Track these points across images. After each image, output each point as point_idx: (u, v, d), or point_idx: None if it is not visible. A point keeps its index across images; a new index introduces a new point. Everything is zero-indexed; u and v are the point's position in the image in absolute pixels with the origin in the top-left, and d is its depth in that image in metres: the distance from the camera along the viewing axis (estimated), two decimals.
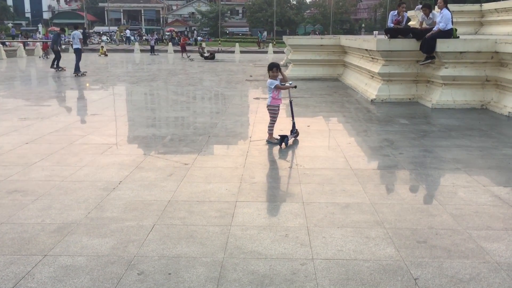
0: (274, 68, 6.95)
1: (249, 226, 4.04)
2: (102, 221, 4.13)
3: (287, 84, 7.21)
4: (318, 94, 12.69)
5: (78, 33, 19.23)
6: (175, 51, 37.35)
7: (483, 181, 5.32)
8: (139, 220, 4.14)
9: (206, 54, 30.12)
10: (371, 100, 11.35)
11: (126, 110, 10.82)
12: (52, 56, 23.48)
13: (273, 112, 7.15)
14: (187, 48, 33.78)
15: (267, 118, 9.02)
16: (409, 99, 11.30)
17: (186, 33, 61.52)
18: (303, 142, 7.16)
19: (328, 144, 7.19)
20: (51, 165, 5.86)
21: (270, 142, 7.08)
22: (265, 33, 54.22)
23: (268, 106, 7.17)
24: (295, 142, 7.17)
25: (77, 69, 18.44)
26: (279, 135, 7.07)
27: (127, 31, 57.06)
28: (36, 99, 11.92)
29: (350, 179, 5.34)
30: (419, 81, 11.37)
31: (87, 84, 15.85)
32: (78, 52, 18.60)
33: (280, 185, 5.23)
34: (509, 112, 9.25)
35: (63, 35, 27.58)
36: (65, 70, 20.32)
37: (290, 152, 6.64)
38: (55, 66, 20.26)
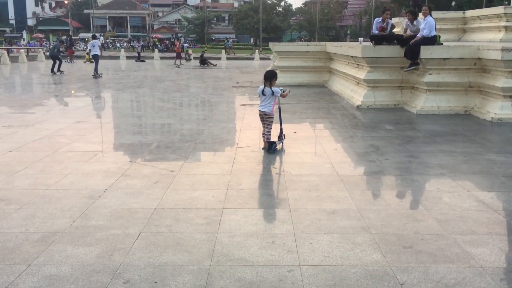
0: (274, 78, 6.95)
1: (236, 233, 4.03)
2: (87, 229, 4.09)
3: (286, 90, 7.23)
4: (304, 100, 12.74)
5: (97, 41, 22.72)
6: (161, 58, 37.27)
7: (467, 186, 5.38)
8: (124, 228, 4.11)
9: (190, 59, 30.21)
10: (357, 106, 11.43)
11: (112, 117, 10.75)
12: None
13: (272, 119, 7.09)
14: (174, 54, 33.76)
15: (254, 124, 9.09)
16: (394, 105, 11.40)
17: (172, 39, 61.36)
18: (290, 149, 7.18)
19: (315, 150, 7.21)
20: (35, 173, 5.79)
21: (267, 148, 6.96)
22: (231, 40, 53.84)
23: (269, 114, 6.98)
24: (282, 148, 7.18)
25: (95, 72, 20.89)
26: (267, 141, 7.01)
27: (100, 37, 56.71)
28: (20, 106, 11.79)
29: (336, 185, 5.36)
30: (404, 87, 11.48)
31: (73, 91, 15.73)
32: (96, 58, 21.32)
33: (267, 191, 5.23)
34: (492, 118, 9.38)
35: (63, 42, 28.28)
36: (63, 73, 22.25)
37: (277, 159, 6.64)
38: (55, 71, 22.25)
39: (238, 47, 58.04)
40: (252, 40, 53.60)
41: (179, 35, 73.79)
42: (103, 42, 56.49)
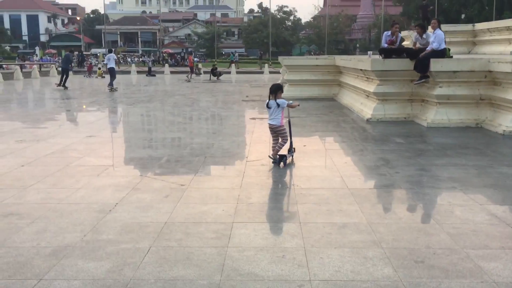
0: (280, 90, 7.08)
1: (246, 247, 4.02)
2: (97, 243, 4.10)
3: (294, 103, 7.31)
4: (314, 113, 12.75)
5: (113, 55, 23.39)
6: (172, 72, 37.59)
7: (479, 199, 5.33)
8: (135, 243, 4.12)
9: (200, 73, 30.56)
10: (367, 120, 11.40)
11: (123, 132, 10.84)
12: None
13: (284, 131, 7.13)
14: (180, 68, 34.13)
15: (264, 138, 9.11)
16: (404, 118, 11.36)
17: (183, 54, 61.91)
18: (300, 162, 7.17)
19: (325, 164, 7.20)
20: (47, 187, 5.84)
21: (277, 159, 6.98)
22: (236, 54, 53.59)
23: (279, 127, 7.03)
24: (292, 161, 7.18)
25: (111, 85, 21.44)
26: (278, 155, 7.03)
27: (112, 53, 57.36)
28: (33, 121, 11.93)
29: (346, 199, 5.34)
30: (414, 100, 11.45)
31: (84, 106, 15.90)
32: (112, 71, 21.98)
33: (277, 205, 5.22)
34: (504, 131, 9.30)
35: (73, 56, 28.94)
36: (68, 88, 22.21)
37: (286, 172, 6.64)
38: (63, 84, 22.34)
39: (247, 61, 58.30)
40: (231, 54, 53.52)
41: (189, 49, 74.50)
42: (89, 57, 57.13)
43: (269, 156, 7.12)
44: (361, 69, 12.68)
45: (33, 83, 27.70)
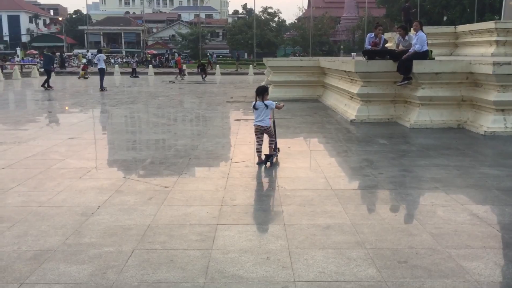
0: (266, 92, 7.20)
1: (230, 249, 4.01)
2: (80, 247, 4.05)
3: (280, 104, 7.44)
4: (298, 115, 12.79)
5: (103, 55, 24.01)
6: (156, 73, 37.38)
7: (461, 199, 5.39)
8: (118, 246, 4.07)
9: (185, 74, 30.62)
10: (351, 121, 11.47)
11: (106, 133, 10.75)
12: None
13: (272, 131, 7.27)
14: (166, 69, 34.04)
15: (248, 139, 9.12)
16: (388, 119, 11.45)
17: (167, 55, 61.59)
18: (284, 163, 7.18)
19: (309, 165, 7.22)
20: (28, 190, 5.76)
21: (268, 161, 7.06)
22: (214, 55, 52.60)
23: (267, 128, 7.16)
24: (277, 161, 7.19)
25: (102, 86, 21.57)
26: (264, 154, 7.09)
27: (89, 53, 56.50)
28: (14, 123, 11.76)
29: (331, 200, 5.36)
30: (397, 101, 11.55)
31: (66, 107, 15.72)
32: (102, 72, 22.23)
33: (261, 207, 5.22)
34: (485, 131, 9.44)
35: (55, 57, 28.68)
36: (53, 89, 22.26)
37: (271, 174, 6.64)
38: (46, 86, 22.14)
39: (224, 62, 57.88)
40: (208, 55, 52.85)
41: (173, 50, 74.17)
42: (71, 57, 56.67)
43: (257, 163, 7.11)
44: (345, 71, 12.76)
45: (14, 84, 27.30)
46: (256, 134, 7.25)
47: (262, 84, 11.64)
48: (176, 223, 4.62)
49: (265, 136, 7.26)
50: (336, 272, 3.58)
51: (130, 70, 37.14)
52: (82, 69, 34.01)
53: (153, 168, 7.02)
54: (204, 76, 30.58)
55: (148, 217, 4.79)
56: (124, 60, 59.66)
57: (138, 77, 34.18)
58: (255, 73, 37.11)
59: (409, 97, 11.16)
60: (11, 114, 13.80)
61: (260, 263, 3.73)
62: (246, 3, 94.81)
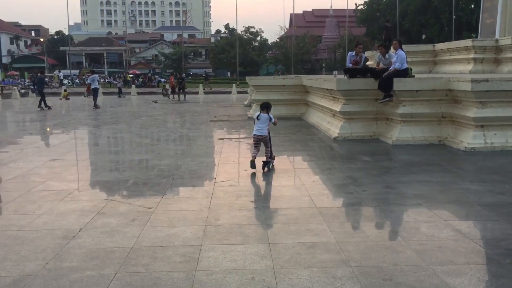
0: (270, 107, 8.29)
1: (214, 270, 3.96)
2: (61, 271, 3.97)
3: (276, 120, 8.36)
4: (282, 133, 12.82)
5: (96, 76, 26.43)
6: (138, 93, 37.29)
7: (444, 215, 5.43)
8: (100, 269, 4.00)
9: (168, 94, 30.55)
10: (334, 138, 11.55)
11: (88, 154, 10.63)
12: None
13: (268, 140, 8.18)
14: (150, 90, 33.96)
15: (232, 158, 9.15)
16: (370, 136, 11.56)
17: (149, 75, 61.51)
18: (268, 182, 7.16)
19: (293, 183, 7.22)
20: (8, 214, 5.64)
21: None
22: (183, 75, 49.28)
23: (265, 137, 8.07)
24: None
25: (95, 104, 23.26)
26: (262, 161, 7.92)
27: (60, 73, 55.95)
28: None
29: (315, 218, 5.35)
30: (379, 118, 11.68)
31: (48, 129, 15.54)
32: (95, 91, 24.29)
33: (246, 226, 5.18)
34: (466, 147, 9.57)
35: (45, 78, 28.82)
36: (51, 108, 22.94)
37: (255, 192, 6.62)
38: (42, 105, 22.84)
39: (192, 81, 57.13)
40: (204, 73, 51.29)
41: (156, 70, 74.15)
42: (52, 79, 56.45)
43: (251, 166, 7.80)
44: (327, 89, 12.88)
45: None
46: (254, 143, 8.15)
47: (245, 102, 12.08)
48: (160, 245, 4.56)
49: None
50: None
51: (112, 90, 37.13)
52: (87, 90, 33.98)
53: (136, 189, 6.95)
54: (179, 95, 30.30)
55: (131, 239, 4.72)
56: (107, 80, 59.41)
57: (124, 97, 34.24)
58: (238, 92, 37.23)
59: (390, 114, 11.30)
60: None
61: (245, 284, 3.69)
62: (228, 23, 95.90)
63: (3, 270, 4.00)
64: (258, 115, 8.12)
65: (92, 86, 24.80)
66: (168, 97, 30.80)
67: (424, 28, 56.18)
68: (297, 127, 14.39)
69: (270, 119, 8.11)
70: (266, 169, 7.88)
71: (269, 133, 8.24)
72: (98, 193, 6.81)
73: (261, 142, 8.06)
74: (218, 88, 45.39)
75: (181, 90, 30.41)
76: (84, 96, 33.14)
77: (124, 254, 4.32)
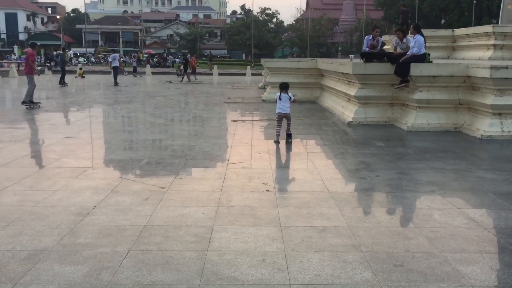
0: (288, 87, 9.22)
1: (226, 251, 3.99)
2: (75, 247, 4.03)
3: (297, 97, 9.47)
4: (296, 116, 12.74)
5: (117, 55, 29.15)
6: (153, 73, 37.35)
7: (457, 203, 5.39)
8: (113, 246, 4.05)
9: (182, 75, 30.58)
10: (348, 123, 11.48)
11: (103, 133, 10.71)
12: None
13: (290, 117, 9.21)
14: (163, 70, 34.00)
15: (245, 140, 9.16)
16: (385, 121, 11.46)
17: (164, 55, 61.48)
18: (281, 165, 7.17)
19: (306, 167, 7.21)
20: (23, 189, 5.73)
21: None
22: (188, 56, 45.72)
23: (288, 114, 9.08)
24: (272, 165, 7.19)
25: (115, 82, 25.05)
26: (286, 133, 9.01)
27: (70, 51, 56.15)
28: (10, 121, 11.71)
29: (327, 202, 5.35)
30: (394, 104, 11.56)
31: (63, 106, 15.65)
32: (116, 69, 25.95)
33: (258, 208, 5.20)
34: (482, 135, 9.45)
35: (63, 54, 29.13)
36: (67, 85, 23.89)
37: (267, 175, 6.62)
38: (62, 82, 23.90)
39: (230, 62, 57.84)
40: (210, 54, 50.06)
41: (171, 50, 74.06)
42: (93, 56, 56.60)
43: (275, 141, 8.92)
44: (342, 73, 12.76)
45: (10, 82, 27.21)
46: (277, 120, 9.10)
47: (260, 84, 12.52)
48: (172, 224, 4.61)
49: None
50: (331, 275, 3.57)
51: (127, 69, 37.38)
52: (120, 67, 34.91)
53: (150, 169, 7.00)
54: (183, 77, 30.19)
55: (144, 217, 4.77)
56: (122, 59, 59.52)
57: (140, 76, 34.70)
58: (252, 74, 37.11)
59: (406, 100, 11.17)
60: (7, 112, 13.74)
61: (255, 265, 3.71)
62: (244, 4, 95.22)
63: (19, 244, 4.08)
64: (280, 95, 9.03)
65: (113, 64, 26.38)
66: (187, 79, 30.58)
67: (444, 12, 55.10)
68: (311, 110, 14.32)
69: (290, 98, 9.03)
70: (290, 140, 8.96)
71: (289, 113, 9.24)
72: (112, 172, 6.88)
73: (283, 118, 9.06)
74: (231, 69, 45.17)
75: (186, 72, 30.37)
76: (76, 77, 32.29)
77: (137, 232, 4.37)
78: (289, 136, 9.07)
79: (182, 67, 34.94)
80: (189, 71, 30.85)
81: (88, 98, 18.31)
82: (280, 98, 9.03)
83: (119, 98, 18.38)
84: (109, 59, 31.25)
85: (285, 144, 8.81)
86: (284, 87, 9.15)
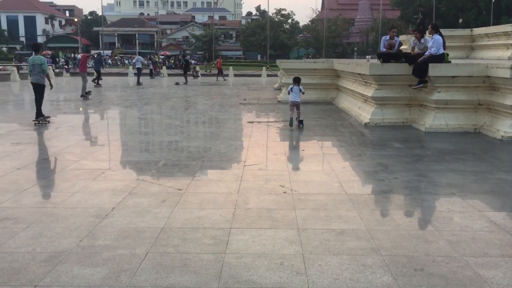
0: (300, 80, 11.22)
1: (243, 253, 3.98)
2: (94, 249, 4.06)
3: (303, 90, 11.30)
4: (312, 117, 12.72)
5: (140, 57, 31.24)
6: (169, 75, 37.55)
7: (478, 206, 5.30)
8: (131, 248, 4.07)
9: (198, 76, 30.92)
10: (365, 124, 11.39)
11: (120, 135, 10.79)
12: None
13: (300, 105, 11.12)
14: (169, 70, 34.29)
15: (261, 142, 9.17)
16: (403, 123, 11.35)
17: (180, 57, 61.73)
18: (298, 167, 7.14)
19: (323, 169, 7.17)
20: (43, 191, 5.79)
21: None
22: (188, 57, 43.86)
23: (299, 102, 11.05)
24: (289, 167, 7.17)
25: (138, 81, 26.98)
26: (298, 120, 10.99)
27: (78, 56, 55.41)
28: (29, 124, 11.86)
29: (345, 205, 5.30)
30: (412, 105, 11.44)
31: (81, 108, 15.83)
32: (139, 70, 28.25)
33: (275, 211, 5.18)
34: (502, 136, 9.29)
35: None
36: (101, 86, 25.32)
37: (284, 177, 6.59)
38: (96, 83, 25.19)
39: (245, 64, 57.88)
40: (206, 55, 48.48)
41: (187, 51, 74.34)
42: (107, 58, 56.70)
43: (290, 125, 10.95)
44: (359, 73, 12.68)
45: (30, 85, 27.54)
46: (290, 107, 11.04)
47: (275, 85, 13.68)
48: (190, 226, 4.61)
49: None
50: (351, 279, 3.53)
51: (144, 71, 37.67)
52: (154, 69, 36.82)
53: (167, 170, 7.02)
54: (187, 78, 30.22)
55: (162, 219, 4.79)
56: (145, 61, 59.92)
57: (160, 76, 35.35)
58: (268, 75, 37.09)
59: (424, 101, 11.05)
60: (27, 115, 13.93)
61: (274, 269, 3.69)
62: (259, 5, 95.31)
63: (39, 246, 4.12)
64: (292, 88, 11.01)
65: (137, 66, 28.68)
66: (217, 79, 31.12)
67: (461, 12, 54.40)
68: (328, 111, 14.25)
69: (300, 90, 10.99)
70: (301, 125, 10.95)
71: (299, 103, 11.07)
72: (129, 173, 6.92)
73: (295, 106, 10.92)
74: (247, 70, 45.17)
75: (186, 73, 30.42)
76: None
77: (155, 235, 4.38)
78: (300, 122, 11.00)
79: (198, 68, 35.16)
80: (190, 72, 31.45)
81: (106, 100, 18.47)
82: (292, 90, 10.95)
83: (135, 100, 18.52)
84: (133, 61, 33.62)
85: (298, 135, 8.78)
86: (296, 80, 11.09)
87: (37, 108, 11.88)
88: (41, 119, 11.74)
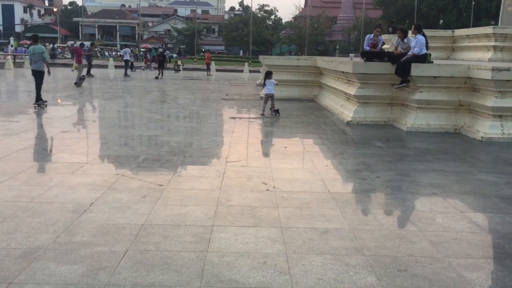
0: (271, 74, 12.60)
1: (226, 252, 3.90)
2: (71, 246, 3.93)
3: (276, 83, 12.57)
4: (294, 114, 12.69)
5: (128, 49, 31.34)
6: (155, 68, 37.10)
7: (460, 206, 5.32)
8: (110, 245, 3.96)
9: (180, 70, 30.59)
10: (347, 122, 11.40)
11: (99, 128, 10.58)
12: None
13: (273, 97, 12.38)
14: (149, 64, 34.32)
15: (244, 138, 9.07)
16: (384, 121, 11.39)
17: (161, 50, 61.03)
18: (280, 164, 7.08)
19: (306, 167, 7.13)
20: (19, 184, 5.62)
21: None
22: (153, 51, 40.36)
23: (273, 94, 12.28)
24: (272, 164, 7.11)
25: (126, 73, 27.55)
26: (274, 110, 12.21)
27: (51, 45, 52.79)
28: (5, 114, 11.55)
29: (328, 203, 5.27)
30: (394, 104, 11.49)
31: (59, 100, 15.50)
32: (126, 62, 28.61)
33: (258, 208, 5.11)
34: (482, 137, 9.39)
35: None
36: (94, 76, 25.42)
37: (267, 174, 6.54)
38: (89, 74, 25.06)
39: (227, 58, 57.63)
40: (153, 50, 46.98)
41: (168, 45, 73.69)
42: (65, 49, 55.23)
43: (261, 114, 12.19)
44: (342, 71, 12.68)
45: (6, 74, 26.95)
46: (265, 99, 12.40)
47: (258, 81, 13.85)
48: (171, 223, 4.51)
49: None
50: (335, 279, 3.49)
51: (123, 63, 37.06)
52: (145, 62, 37.12)
53: (147, 165, 6.89)
54: (163, 72, 29.38)
55: (142, 216, 4.68)
56: (119, 53, 59.09)
57: (134, 70, 34.07)
58: (250, 71, 36.95)
59: (406, 100, 11.11)
60: (2, 105, 13.58)
61: (257, 268, 3.63)
62: (242, 0, 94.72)
63: (14, 241, 3.98)
64: (265, 81, 12.50)
65: (124, 58, 28.90)
66: (207, 74, 31.16)
67: (442, 13, 55.09)
68: (310, 109, 14.24)
69: (274, 82, 12.33)
70: (277, 114, 12.13)
71: (273, 95, 12.29)
72: (109, 168, 6.77)
73: (269, 97, 12.19)
74: (229, 66, 44.93)
75: (162, 68, 29.44)
76: (72, 70, 30.73)
77: (135, 231, 4.27)
78: (276, 111, 12.17)
79: (179, 62, 34.81)
80: (165, 66, 31.12)
81: (85, 92, 18.14)
82: (265, 83, 12.38)
83: (116, 92, 18.22)
84: (121, 53, 34.30)
85: (280, 132, 8.73)
86: (268, 74, 12.58)
87: (36, 92, 12.98)
88: (40, 102, 12.90)
